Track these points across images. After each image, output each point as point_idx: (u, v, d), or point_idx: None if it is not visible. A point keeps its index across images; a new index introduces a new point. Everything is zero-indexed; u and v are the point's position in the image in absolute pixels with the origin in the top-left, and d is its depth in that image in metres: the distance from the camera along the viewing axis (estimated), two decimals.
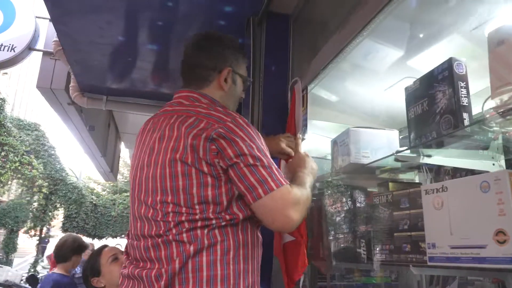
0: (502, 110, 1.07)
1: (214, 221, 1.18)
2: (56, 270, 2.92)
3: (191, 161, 1.18)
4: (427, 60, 1.66)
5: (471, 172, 1.72)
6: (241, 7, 2.06)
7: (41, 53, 3.76)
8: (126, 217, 18.04)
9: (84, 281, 1.87)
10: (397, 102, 1.90)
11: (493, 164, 1.49)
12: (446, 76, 1.27)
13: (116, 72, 3.00)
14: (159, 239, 1.19)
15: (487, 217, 1.04)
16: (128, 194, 19.36)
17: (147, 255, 1.22)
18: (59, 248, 2.91)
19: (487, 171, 1.48)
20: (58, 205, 15.54)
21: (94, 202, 17.63)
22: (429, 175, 2.05)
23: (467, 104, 1.23)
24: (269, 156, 1.22)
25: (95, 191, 19.75)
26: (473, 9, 1.28)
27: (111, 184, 23.38)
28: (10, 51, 3.72)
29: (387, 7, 1.25)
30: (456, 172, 1.91)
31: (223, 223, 1.19)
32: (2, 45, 3.71)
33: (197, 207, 1.18)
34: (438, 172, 2.02)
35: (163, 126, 1.28)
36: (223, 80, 1.38)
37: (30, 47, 3.85)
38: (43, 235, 16.11)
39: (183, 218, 1.18)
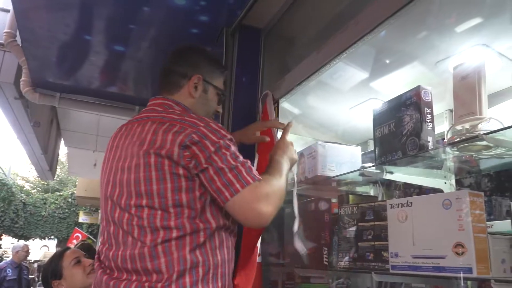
0: (463, 137, 1.21)
1: (188, 230, 1.19)
2: None
3: (167, 165, 1.20)
4: (391, 84, 1.81)
5: (420, 189, 1.89)
6: (216, 17, 2.11)
7: None
8: (57, 217, 17.16)
9: (43, 283, 1.81)
10: (360, 121, 2.05)
11: (445, 183, 1.66)
12: (413, 102, 1.40)
13: (75, 71, 2.91)
14: (135, 251, 1.19)
15: (447, 231, 1.17)
16: (60, 193, 18.42)
17: (123, 265, 1.21)
18: None
19: (440, 189, 1.65)
20: None
21: (23, 201, 16.59)
22: (381, 189, 2.22)
23: (431, 129, 1.37)
24: (240, 157, 1.25)
25: (24, 188, 18.61)
26: (440, 44, 1.43)
27: (42, 182, 22.14)
28: None
29: (368, 35, 1.37)
30: (406, 188, 2.09)
31: (200, 239, 1.21)
32: None
33: (171, 210, 1.19)
34: (389, 186, 2.19)
35: (137, 132, 1.28)
36: (193, 87, 1.40)
37: None
38: None
39: (158, 223, 1.19)
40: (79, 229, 15.02)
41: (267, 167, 1.37)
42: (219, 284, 1.21)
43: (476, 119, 1.21)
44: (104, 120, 6.23)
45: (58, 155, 7.90)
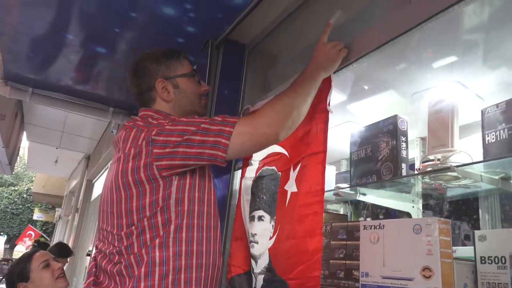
0: (436, 167, 1.30)
1: (146, 229, 1.17)
2: None
3: (132, 171, 1.19)
4: (368, 109, 1.89)
5: (386, 209, 1.99)
6: (203, 30, 2.14)
7: None
8: (10, 213, 16.50)
9: (8, 284, 1.76)
10: (335, 141, 2.12)
11: (413, 207, 1.75)
12: (390, 130, 1.49)
13: (50, 67, 2.85)
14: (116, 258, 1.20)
15: (416, 254, 1.25)
16: (15, 188, 17.71)
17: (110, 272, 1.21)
18: None
19: (407, 212, 1.75)
20: None
21: None
22: (350, 208, 2.30)
23: (405, 156, 1.45)
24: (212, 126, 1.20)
25: None
26: (417, 77, 1.52)
27: None
28: None
29: (351, 65, 1.44)
30: (374, 208, 2.18)
31: (158, 239, 1.17)
32: None
33: (135, 216, 1.18)
34: (357, 206, 2.28)
35: (120, 142, 1.28)
36: (163, 92, 1.38)
37: None
38: None
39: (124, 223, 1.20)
40: (33, 227, 14.52)
41: (292, 84, 1.33)
42: None
43: (448, 151, 1.30)
44: (71, 118, 6.11)
45: (19, 149, 7.64)
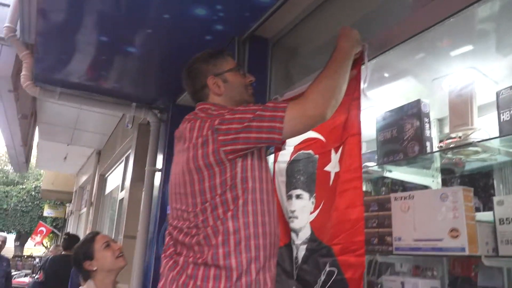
0: (458, 143, 1.50)
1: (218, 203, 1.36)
2: None
3: (202, 157, 1.36)
4: (387, 95, 2.08)
5: (403, 187, 2.17)
6: (231, 27, 2.31)
7: None
8: (20, 211, 16.73)
9: (76, 265, 1.97)
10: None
11: (432, 181, 1.95)
12: (415, 112, 1.68)
13: (80, 68, 3.02)
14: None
15: (444, 218, 1.45)
16: (23, 187, 17.93)
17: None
18: None
19: (428, 186, 1.94)
20: None
21: None
22: (369, 187, 2.50)
23: (429, 135, 1.65)
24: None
25: None
26: (436, 65, 1.71)
27: (1, 175, 21.44)
28: None
29: (376, 58, 1.63)
30: (393, 185, 2.38)
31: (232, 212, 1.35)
32: None
33: (208, 195, 1.36)
34: (376, 184, 2.48)
35: (186, 132, 1.48)
36: (215, 87, 1.56)
37: None
38: None
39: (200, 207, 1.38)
40: (43, 223, 14.74)
41: (327, 64, 1.46)
42: (252, 254, 1.35)
43: (469, 129, 1.49)
44: (84, 115, 6.28)
45: (32, 147, 7.82)
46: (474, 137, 1.51)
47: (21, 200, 16.90)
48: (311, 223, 1.77)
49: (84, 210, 10.24)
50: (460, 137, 1.53)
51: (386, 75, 2.01)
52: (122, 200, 5.98)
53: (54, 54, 2.85)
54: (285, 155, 2.03)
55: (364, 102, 2.18)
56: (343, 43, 1.53)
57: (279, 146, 1.41)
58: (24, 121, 4.75)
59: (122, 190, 6.09)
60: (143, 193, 3.68)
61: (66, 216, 15.18)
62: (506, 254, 1.39)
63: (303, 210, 1.84)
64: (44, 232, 14.33)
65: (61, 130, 7.18)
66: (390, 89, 2.04)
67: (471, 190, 1.46)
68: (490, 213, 1.51)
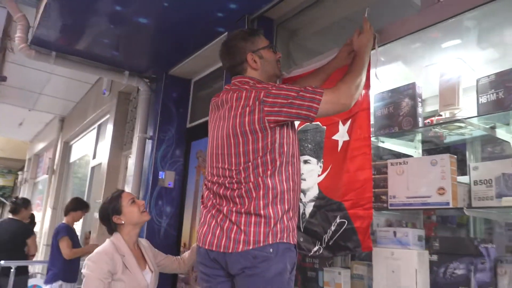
0: (445, 120, 1.85)
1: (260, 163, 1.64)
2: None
3: (249, 123, 1.64)
4: (383, 77, 2.39)
5: (390, 153, 2.52)
6: (244, 6, 2.50)
7: None
8: None
9: (103, 219, 2.17)
10: None
11: (415, 151, 2.32)
12: (410, 93, 2.02)
13: (82, 34, 3.09)
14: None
15: (433, 180, 1.81)
16: None
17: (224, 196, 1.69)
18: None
19: (411, 155, 2.30)
20: None
21: None
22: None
23: (421, 112, 2.00)
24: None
25: None
26: (427, 54, 2.05)
27: None
28: None
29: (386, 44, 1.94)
30: (383, 154, 2.71)
31: (271, 171, 1.64)
32: None
33: (251, 156, 1.64)
34: (380, 156, 2.81)
35: (228, 100, 1.74)
36: (252, 63, 1.83)
37: None
38: None
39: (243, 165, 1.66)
40: None
41: (351, 64, 1.81)
42: (285, 206, 1.67)
43: (455, 108, 1.85)
44: (53, 80, 6.21)
45: None
46: (459, 115, 1.87)
47: None
48: (319, 184, 2.09)
49: (41, 178, 10.06)
50: (447, 114, 1.88)
51: (382, 59, 2.33)
52: (94, 167, 6.04)
53: (58, 20, 2.91)
54: None
55: None
56: (367, 41, 1.85)
57: (309, 122, 1.71)
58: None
59: (94, 157, 6.14)
60: (132, 159, 3.84)
61: (16, 185, 14.67)
62: (479, 206, 1.77)
63: (311, 174, 2.15)
64: None
65: (26, 95, 7.01)
66: (387, 72, 2.36)
67: (455, 157, 1.83)
68: (466, 177, 1.89)
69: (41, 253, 6.87)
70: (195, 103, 3.85)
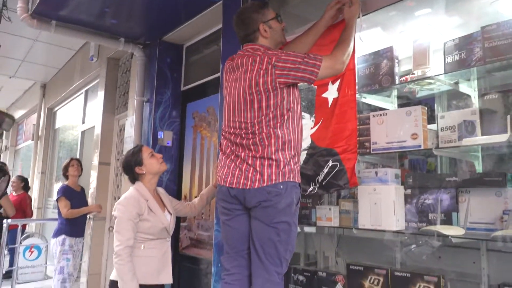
0: (420, 77, 2.23)
1: (271, 116, 1.97)
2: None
3: (262, 84, 1.97)
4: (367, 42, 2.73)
5: (369, 108, 2.90)
6: None
7: None
8: None
9: (127, 170, 2.48)
10: None
11: (391, 106, 2.70)
12: (388, 55, 2.38)
13: (77, 4, 3.30)
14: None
15: (408, 127, 2.20)
16: None
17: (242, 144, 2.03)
18: None
19: (387, 108, 2.68)
20: None
21: None
22: None
23: (397, 72, 2.36)
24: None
25: None
26: (402, 21, 2.40)
27: None
28: None
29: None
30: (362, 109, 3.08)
31: (280, 123, 1.98)
32: None
33: (264, 111, 1.98)
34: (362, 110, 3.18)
35: (243, 64, 2.05)
36: (263, 32, 2.14)
37: None
38: None
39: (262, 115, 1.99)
40: None
41: (344, 33, 2.13)
42: (292, 152, 2.03)
43: (426, 67, 2.22)
44: (37, 46, 6.27)
45: None
46: (429, 73, 2.24)
47: None
48: (312, 135, 2.45)
49: (23, 145, 10.12)
50: (419, 74, 2.25)
51: (364, 25, 2.65)
52: (85, 131, 6.24)
53: None
54: None
55: None
56: (356, 12, 2.17)
57: (310, 84, 2.05)
58: None
59: (83, 122, 6.33)
60: (133, 121, 4.11)
61: None
62: (444, 146, 2.18)
63: (304, 127, 2.51)
64: None
65: (8, 62, 7.03)
66: (370, 37, 2.69)
67: (426, 108, 2.22)
68: (434, 125, 2.28)
69: (35, 215, 7.11)
70: (188, 67, 4.10)
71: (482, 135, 2.05)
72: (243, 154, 2.03)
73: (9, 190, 6.84)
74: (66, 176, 4.54)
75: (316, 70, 1.98)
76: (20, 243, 6.10)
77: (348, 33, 2.12)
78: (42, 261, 6.39)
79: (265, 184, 1.97)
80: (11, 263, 6.37)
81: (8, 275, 6.59)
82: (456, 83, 2.26)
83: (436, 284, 2.10)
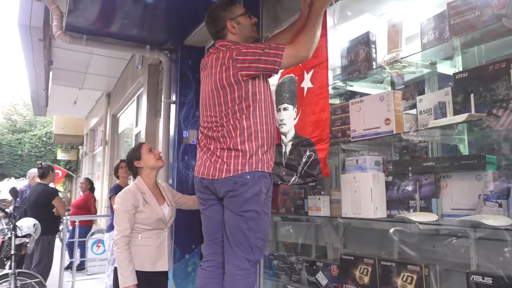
0: (392, 60, 2.17)
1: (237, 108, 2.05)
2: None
3: (225, 78, 2.05)
4: (350, 28, 2.70)
5: (362, 95, 2.84)
6: None
7: None
8: (34, 156, 17.67)
9: (128, 165, 2.73)
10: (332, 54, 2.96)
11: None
12: (365, 41, 2.34)
13: (104, 16, 3.61)
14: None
15: (381, 112, 2.15)
16: (34, 133, 18.75)
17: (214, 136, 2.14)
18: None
19: None
20: None
21: None
22: (343, 100, 3.17)
23: (375, 57, 2.32)
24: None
25: None
26: (383, 4, 2.34)
27: (9, 123, 22.15)
28: None
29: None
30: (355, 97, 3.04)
31: (246, 113, 2.05)
32: None
33: (229, 104, 2.07)
34: (351, 97, 3.16)
35: (213, 61, 2.16)
36: (231, 28, 2.22)
37: None
38: None
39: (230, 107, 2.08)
40: (59, 166, 15.62)
41: (308, 20, 2.16)
42: (259, 143, 2.08)
43: (399, 50, 2.16)
44: (95, 59, 6.85)
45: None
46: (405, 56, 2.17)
47: (34, 146, 17.83)
48: (295, 126, 2.49)
49: (98, 150, 11.07)
50: (393, 56, 2.19)
51: (348, 13, 2.63)
52: (138, 134, 6.72)
53: (84, 6, 3.42)
54: (274, 80, 2.71)
55: (334, 36, 2.83)
56: (318, 7, 2.16)
57: (275, 74, 2.10)
58: (48, 67, 5.35)
59: (137, 125, 6.81)
60: (161, 122, 4.39)
61: (79, 158, 16.10)
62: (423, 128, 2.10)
63: (289, 118, 2.55)
64: (60, 175, 15.22)
65: (73, 75, 7.77)
66: (353, 24, 2.66)
67: (400, 92, 2.16)
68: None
69: (104, 213, 7.79)
70: None
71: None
72: (212, 146, 2.14)
73: (78, 190, 7.56)
74: (117, 176, 4.96)
75: (278, 59, 2.02)
76: (88, 238, 6.75)
77: (311, 20, 2.13)
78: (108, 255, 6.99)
79: (231, 175, 2.06)
80: (82, 255, 7.07)
81: (80, 267, 7.34)
82: (433, 64, 2.17)
83: (419, 273, 2.06)
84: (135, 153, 2.68)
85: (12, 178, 18.87)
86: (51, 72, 7.47)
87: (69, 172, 15.85)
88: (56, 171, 14.57)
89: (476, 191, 1.93)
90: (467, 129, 2.12)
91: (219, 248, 2.19)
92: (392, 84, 2.60)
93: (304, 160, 2.34)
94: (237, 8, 2.27)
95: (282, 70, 2.58)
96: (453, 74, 1.97)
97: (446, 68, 2.21)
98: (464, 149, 2.17)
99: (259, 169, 2.07)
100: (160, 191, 2.75)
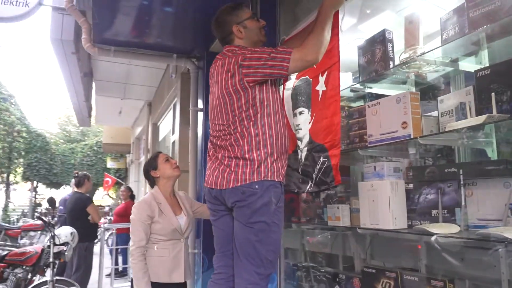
0: (409, 59, 2.01)
1: (244, 116, 1.96)
2: None
3: (231, 85, 1.98)
4: (371, 27, 2.56)
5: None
6: None
7: (50, 7, 4.27)
8: (86, 165, 18.50)
9: (145, 174, 2.72)
10: (350, 54, 2.83)
11: None
12: (381, 40, 2.19)
13: (129, 27, 3.67)
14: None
15: (398, 115, 2.00)
16: (85, 143, 19.64)
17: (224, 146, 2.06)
18: None
19: None
20: (23, 153, 15.77)
21: (53, 151, 17.90)
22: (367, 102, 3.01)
23: (392, 56, 2.16)
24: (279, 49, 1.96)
25: (52, 140, 19.88)
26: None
27: (64, 134, 23.34)
28: (24, 6, 4.19)
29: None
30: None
31: (254, 121, 1.97)
32: (16, 0, 4.18)
33: (237, 111, 1.99)
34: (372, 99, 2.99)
35: (219, 68, 2.10)
36: (238, 33, 2.15)
37: (40, 3, 4.32)
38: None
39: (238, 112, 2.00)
40: (108, 174, 16.24)
41: (315, 22, 2.00)
42: (268, 151, 1.98)
43: (416, 48, 2.00)
44: (133, 70, 7.02)
45: (91, 103, 8.78)
46: (419, 54, 2.01)
47: (86, 155, 18.68)
48: (309, 130, 2.38)
49: (143, 158, 11.37)
50: (411, 54, 2.04)
51: (367, 11, 2.50)
52: (174, 142, 6.82)
53: (108, 19, 3.50)
54: (290, 83, 2.62)
55: (354, 35, 2.70)
56: (328, 8, 2.02)
57: (285, 78, 2.00)
58: (85, 79, 5.54)
59: (173, 133, 6.91)
60: (190, 130, 4.39)
61: (127, 166, 16.66)
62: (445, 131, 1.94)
63: (304, 123, 2.44)
64: (110, 183, 15.80)
65: (115, 86, 8.00)
66: (372, 22, 2.53)
67: (417, 93, 2.00)
68: None
69: None
70: None
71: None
72: (220, 155, 2.07)
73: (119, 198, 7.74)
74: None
75: (286, 64, 1.93)
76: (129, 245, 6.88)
77: (319, 22, 2.01)
78: None
79: (238, 184, 1.98)
80: (124, 262, 7.23)
81: (123, 273, 7.52)
82: (455, 61, 1.99)
83: None
84: (151, 163, 2.68)
85: (68, 186, 19.85)
86: (93, 83, 7.76)
87: (118, 180, 16.41)
88: (106, 178, 15.16)
89: (504, 200, 1.75)
90: (494, 131, 1.93)
91: (230, 260, 2.12)
92: (417, 84, 2.43)
93: (318, 166, 2.23)
94: (243, 11, 2.20)
95: (297, 73, 2.49)
96: (475, 71, 1.79)
97: (471, 65, 2.02)
98: (492, 153, 1.98)
99: (269, 178, 1.98)
100: (178, 201, 2.72)
